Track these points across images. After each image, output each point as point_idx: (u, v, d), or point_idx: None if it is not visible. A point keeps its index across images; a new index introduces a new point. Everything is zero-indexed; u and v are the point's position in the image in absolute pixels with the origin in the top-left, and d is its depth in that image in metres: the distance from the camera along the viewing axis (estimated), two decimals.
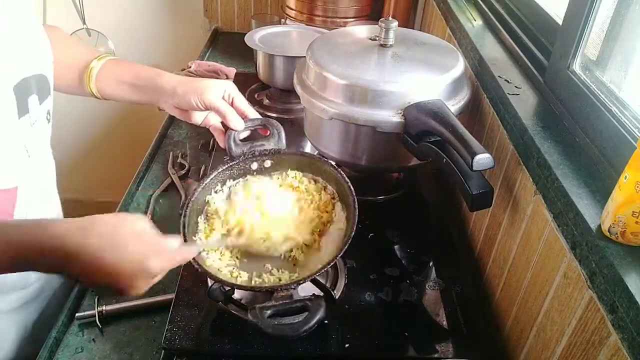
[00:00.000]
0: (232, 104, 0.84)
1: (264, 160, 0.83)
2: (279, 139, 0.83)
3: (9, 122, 0.69)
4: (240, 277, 0.73)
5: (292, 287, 0.67)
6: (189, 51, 1.88)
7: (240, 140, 0.84)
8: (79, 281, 0.64)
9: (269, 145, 0.83)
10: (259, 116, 0.86)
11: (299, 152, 0.84)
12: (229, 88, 0.84)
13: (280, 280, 0.73)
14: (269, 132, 0.84)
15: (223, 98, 0.83)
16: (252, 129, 0.85)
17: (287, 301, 0.66)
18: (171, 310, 0.74)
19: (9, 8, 0.70)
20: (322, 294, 0.72)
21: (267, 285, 0.72)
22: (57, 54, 0.85)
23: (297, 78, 0.96)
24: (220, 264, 0.74)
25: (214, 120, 0.87)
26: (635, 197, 0.51)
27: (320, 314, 0.63)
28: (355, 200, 0.74)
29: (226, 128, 0.85)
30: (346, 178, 0.77)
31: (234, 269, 0.74)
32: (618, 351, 0.51)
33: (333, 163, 0.80)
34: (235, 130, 0.83)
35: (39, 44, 0.76)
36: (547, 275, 0.67)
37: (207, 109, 0.82)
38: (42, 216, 0.85)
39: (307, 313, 0.64)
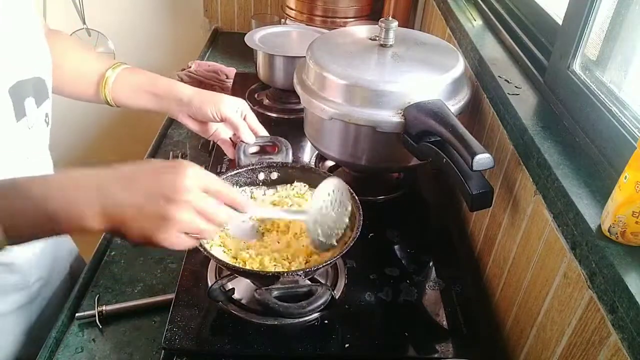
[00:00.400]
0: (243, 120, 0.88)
1: (270, 172, 0.84)
2: (286, 156, 0.87)
3: (7, 125, 0.69)
4: None
5: (298, 273, 0.67)
6: (189, 51, 1.88)
7: (250, 154, 0.88)
8: (100, 229, 0.58)
9: (277, 159, 0.86)
10: (268, 135, 0.90)
11: (305, 167, 0.86)
12: (242, 105, 0.89)
13: None
14: (277, 149, 0.88)
15: (236, 113, 0.87)
16: (261, 144, 0.90)
17: (293, 285, 0.68)
18: (171, 310, 0.74)
19: (7, 10, 0.70)
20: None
21: (273, 270, 0.72)
22: (69, 62, 0.87)
23: (297, 78, 0.96)
24: (225, 257, 0.74)
25: (223, 134, 0.91)
26: (635, 197, 0.51)
27: (326, 297, 0.66)
28: (360, 207, 0.74)
29: (234, 143, 0.90)
30: (353, 193, 0.77)
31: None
32: (618, 351, 0.51)
33: (339, 178, 0.81)
34: (246, 143, 0.87)
35: (36, 47, 0.76)
36: (547, 275, 0.67)
37: (222, 120, 0.86)
38: None
39: (313, 297, 0.66)
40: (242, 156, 0.86)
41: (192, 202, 0.58)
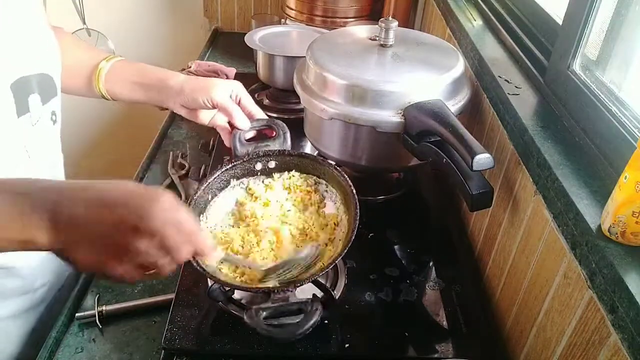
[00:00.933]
0: (239, 104, 0.85)
1: (268, 161, 0.83)
2: (284, 140, 0.84)
3: (7, 121, 0.68)
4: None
5: (290, 289, 0.66)
6: (189, 51, 1.88)
7: (246, 140, 0.84)
8: (58, 254, 0.53)
9: (274, 146, 0.84)
10: (265, 116, 0.86)
11: (302, 154, 0.84)
12: (237, 88, 0.85)
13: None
14: (274, 133, 0.85)
15: (230, 97, 0.83)
16: (257, 129, 0.86)
17: (283, 303, 0.65)
18: (171, 310, 0.74)
19: (11, 6, 0.70)
20: (319, 296, 0.71)
21: (266, 286, 0.71)
22: (64, 57, 0.86)
23: (297, 78, 0.96)
24: (221, 265, 0.74)
25: (220, 120, 0.88)
26: (635, 197, 0.51)
27: (315, 317, 0.63)
28: (357, 203, 0.74)
29: (232, 128, 0.86)
30: (349, 181, 0.77)
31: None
32: (618, 351, 0.51)
33: (336, 166, 0.80)
34: (241, 130, 0.84)
35: (43, 44, 0.75)
36: (547, 275, 0.67)
37: (214, 107, 0.83)
38: None
39: (302, 315, 0.63)
40: (237, 144, 0.82)
41: (158, 235, 0.51)
